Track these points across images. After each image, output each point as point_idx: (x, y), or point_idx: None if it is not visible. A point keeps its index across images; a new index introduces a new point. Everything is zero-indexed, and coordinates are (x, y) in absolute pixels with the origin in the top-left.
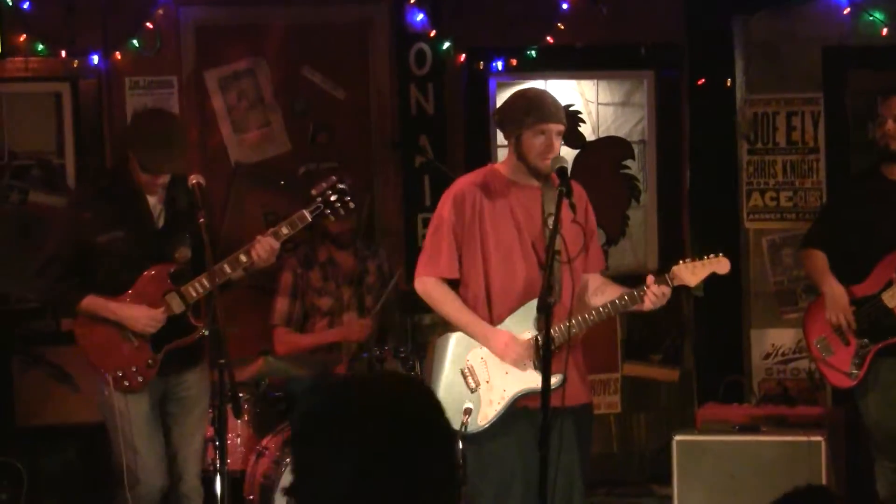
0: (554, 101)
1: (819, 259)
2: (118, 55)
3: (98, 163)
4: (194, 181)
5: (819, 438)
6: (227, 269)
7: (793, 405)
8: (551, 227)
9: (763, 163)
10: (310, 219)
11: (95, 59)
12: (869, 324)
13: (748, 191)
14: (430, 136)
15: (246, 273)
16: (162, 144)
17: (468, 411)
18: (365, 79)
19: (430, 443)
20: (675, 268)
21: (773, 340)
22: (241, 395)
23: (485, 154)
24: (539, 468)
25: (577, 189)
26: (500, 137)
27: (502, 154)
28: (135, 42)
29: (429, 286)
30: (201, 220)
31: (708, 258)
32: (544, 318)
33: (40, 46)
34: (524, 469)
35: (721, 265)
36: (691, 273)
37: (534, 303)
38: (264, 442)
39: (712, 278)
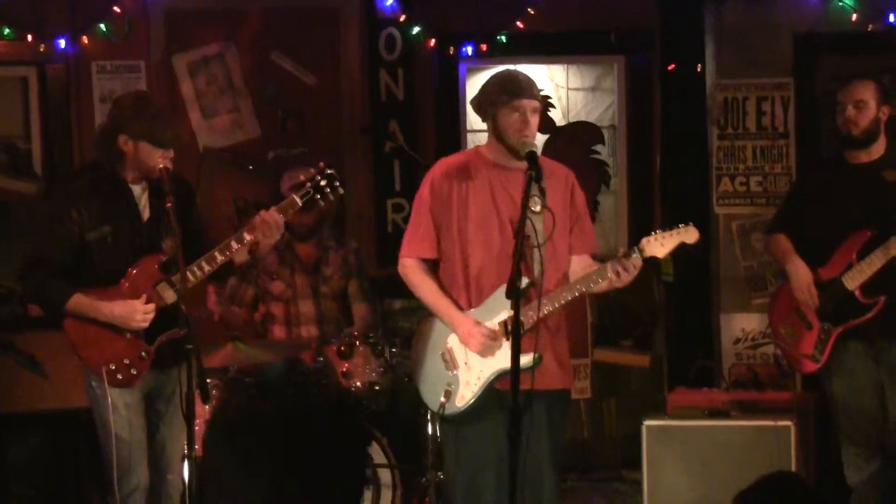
0: (527, 79)
1: (784, 241)
2: (86, 39)
3: (66, 147)
4: (161, 166)
5: (788, 423)
6: (218, 255)
7: (762, 390)
8: (536, 209)
9: (733, 148)
10: (300, 203)
11: (62, 43)
12: (831, 307)
13: (718, 176)
14: (399, 122)
15: (253, 257)
16: (168, 117)
17: (447, 394)
18: (335, 64)
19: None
20: (644, 240)
21: (742, 325)
22: (209, 380)
23: (455, 139)
24: (508, 448)
25: (562, 171)
26: (471, 122)
27: (472, 140)
28: (102, 26)
29: (408, 268)
30: (168, 205)
31: (676, 228)
32: (514, 301)
33: (7, 30)
34: (498, 457)
35: (689, 234)
36: (660, 244)
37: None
38: None
39: (683, 265)
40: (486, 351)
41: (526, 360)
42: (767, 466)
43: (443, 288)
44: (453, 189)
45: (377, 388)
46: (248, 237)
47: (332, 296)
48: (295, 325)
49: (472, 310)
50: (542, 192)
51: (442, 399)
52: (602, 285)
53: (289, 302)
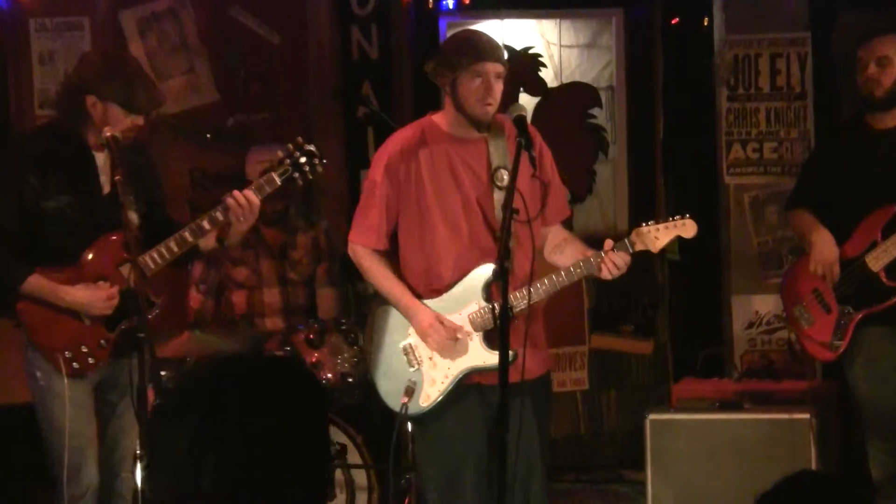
0: (490, 40)
1: (807, 214)
2: None
3: (1, 112)
4: (108, 134)
5: (807, 416)
6: (189, 237)
7: (778, 379)
8: (506, 184)
9: (744, 111)
10: (279, 182)
11: None
12: (853, 289)
13: (728, 142)
14: (373, 84)
15: (223, 244)
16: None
17: (409, 391)
18: (301, 20)
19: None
20: (635, 232)
21: (756, 308)
22: (163, 373)
23: (435, 102)
24: (497, 451)
25: (538, 138)
26: None
27: None
28: None
29: (359, 254)
30: (118, 178)
31: (672, 220)
32: (502, 285)
33: None
34: (476, 453)
35: (686, 228)
36: (653, 237)
37: (480, 270)
38: None
39: (688, 239)
40: (453, 346)
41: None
42: (784, 463)
43: (399, 275)
44: (410, 168)
45: (350, 379)
46: (221, 217)
47: (300, 282)
48: (258, 315)
49: (433, 300)
50: (534, 162)
51: (403, 398)
52: (586, 277)
53: (253, 290)
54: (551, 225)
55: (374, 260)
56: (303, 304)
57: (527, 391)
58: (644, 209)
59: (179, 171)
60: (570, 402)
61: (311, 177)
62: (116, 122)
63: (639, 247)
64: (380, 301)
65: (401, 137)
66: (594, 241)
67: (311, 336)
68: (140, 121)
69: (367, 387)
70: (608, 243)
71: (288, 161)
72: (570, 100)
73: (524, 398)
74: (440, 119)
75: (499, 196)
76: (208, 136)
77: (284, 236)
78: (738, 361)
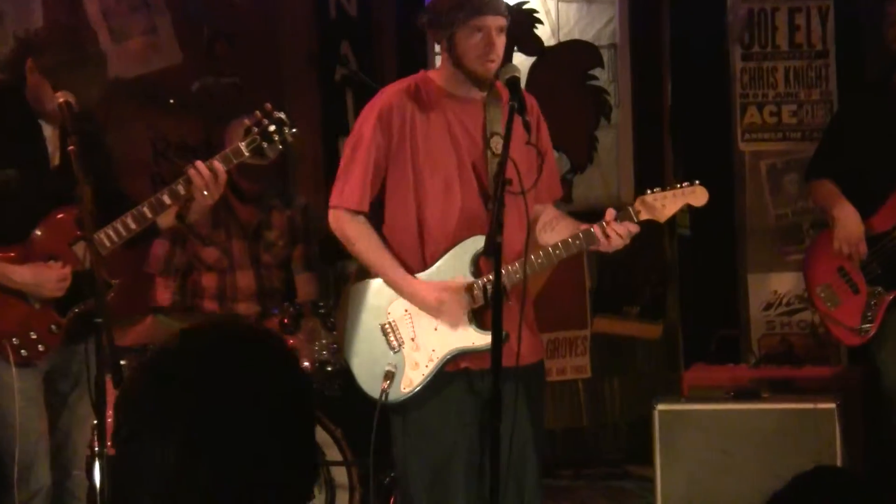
0: None
1: (829, 185)
2: None
3: None
4: (62, 100)
5: (831, 405)
6: (148, 212)
7: (799, 365)
8: (500, 151)
9: (760, 71)
10: (247, 153)
11: None
12: (883, 268)
13: (743, 105)
14: (353, 44)
15: (183, 221)
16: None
17: (389, 375)
18: None
19: (274, 416)
20: (639, 200)
21: (774, 287)
22: (123, 362)
23: (420, 63)
24: (490, 443)
25: (527, 100)
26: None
27: (440, 61)
28: None
29: (342, 220)
30: (71, 147)
31: (681, 187)
32: (494, 261)
33: None
34: (464, 445)
35: (696, 195)
36: (660, 206)
37: (469, 242)
38: None
39: (699, 211)
40: (445, 323)
41: (488, 339)
42: (806, 458)
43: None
44: (405, 124)
45: (329, 368)
46: (182, 191)
47: (275, 265)
48: (230, 299)
49: (419, 273)
50: (528, 127)
51: (383, 384)
52: (586, 249)
53: (224, 272)
54: (544, 202)
55: (360, 227)
56: (278, 287)
57: (519, 377)
58: (650, 180)
59: (140, 142)
60: (570, 392)
61: (280, 146)
62: (45, 96)
63: (644, 216)
64: (354, 279)
65: (393, 90)
66: (595, 215)
67: (286, 321)
68: (71, 97)
69: (348, 375)
70: (610, 212)
71: (256, 130)
72: (569, 60)
73: (516, 385)
74: (436, 75)
75: (493, 163)
76: (171, 101)
77: (259, 215)
78: (756, 346)
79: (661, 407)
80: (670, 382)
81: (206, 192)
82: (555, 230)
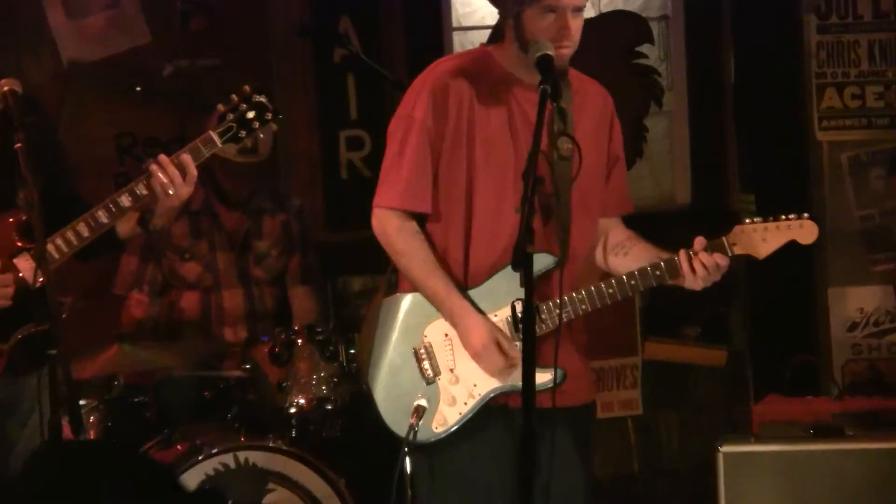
0: None
1: None
2: None
3: None
4: (6, 88)
5: None
6: (102, 215)
7: (890, 396)
8: (568, 153)
9: (840, 45)
10: (220, 143)
11: None
12: None
13: (820, 86)
14: (354, 19)
15: (146, 227)
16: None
17: (419, 410)
18: None
19: None
20: (739, 229)
21: (860, 303)
22: (83, 401)
23: (435, 44)
24: (521, 494)
25: (599, 92)
26: (458, 17)
27: (459, 42)
28: None
29: (389, 225)
30: (18, 144)
31: (787, 219)
32: (523, 277)
33: None
34: (500, 491)
35: (805, 232)
36: (761, 239)
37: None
38: None
39: (769, 214)
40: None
41: (545, 378)
42: None
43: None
44: (463, 110)
45: (329, 406)
46: (143, 191)
47: (267, 281)
48: (216, 323)
49: (472, 289)
50: (563, 116)
51: (410, 419)
52: (666, 283)
53: (208, 291)
54: (611, 215)
55: (409, 237)
56: (271, 308)
57: (563, 421)
58: (711, 177)
59: (102, 137)
60: (618, 432)
61: (262, 135)
62: None
63: (740, 249)
64: (385, 289)
65: (449, 66)
66: (645, 221)
67: (277, 349)
68: (16, 84)
69: (353, 414)
70: (699, 241)
71: (231, 116)
72: (612, 34)
73: (559, 429)
74: (499, 53)
75: (559, 167)
76: (138, 89)
77: (247, 222)
78: (839, 374)
79: (726, 448)
80: (737, 419)
81: (171, 192)
82: (629, 255)
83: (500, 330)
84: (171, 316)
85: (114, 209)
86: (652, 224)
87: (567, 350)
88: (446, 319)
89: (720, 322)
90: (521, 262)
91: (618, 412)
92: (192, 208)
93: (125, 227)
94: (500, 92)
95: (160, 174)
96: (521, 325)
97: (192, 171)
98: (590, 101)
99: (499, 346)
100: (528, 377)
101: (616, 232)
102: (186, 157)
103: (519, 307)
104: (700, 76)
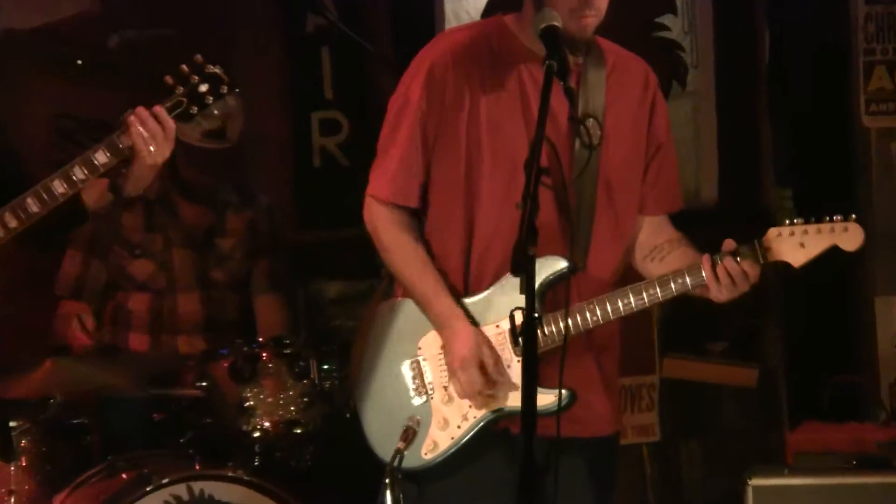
0: None
1: None
2: None
3: None
4: None
5: None
6: (58, 186)
7: None
8: (596, 139)
9: (892, 18)
10: (171, 118)
11: None
12: None
13: (868, 64)
14: None
15: (119, 195)
16: None
17: (409, 433)
18: None
19: None
20: (775, 232)
21: None
22: (14, 424)
23: (424, 11)
24: None
25: (638, 67)
26: None
27: (453, 10)
28: None
29: (377, 216)
30: None
31: (829, 223)
32: (524, 283)
33: None
34: None
35: (850, 236)
36: (797, 244)
37: (537, 264)
38: (58, 501)
39: (807, 210)
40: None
41: (548, 399)
42: None
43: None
44: (464, 88)
45: (298, 430)
46: (124, 143)
47: (229, 285)
48: (168, 331)
49: (470, 300)
50: (571, 97)
51: (399, 442)
52: (690, 292)
53: (160, 294)
54: (651, 213)
55: (400, 230)
56: (233, 316)
57: (577, 453)
58: (741, 170)
59: (37, 118)
60: (633, 461)
61: (216, 111)
62: None
63: (775, 255)
64: (380, 295)
65: (454, 40)
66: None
67: (239, 364)
68: None
69: (328, 440)
70: (729, 243)
71: (181, 89)
72: (629, 2)
73: (571, 463)
74: (515, 24)
75: (581, 156)
76: (79, 63)
77: (210, 217)
78: (886, 396)
79: (756, 481)
80: (769, 447)
81: (152, 148)
82: (664, 261)
83: (491, 347)
84: (118, 321)
85: (86, 168)
86: (675, 223)
87: (583, 369)
88: (433, 325)
89: (750, 336)
90: (521, 265)
91: (632, 439)
92: (147, 198)
93: (93, 196)
94: (515, 70)
95: (138, 127)
96: (520, 338)
97: (170, 124)
98: (628, 80)
99: (481, 364)
100: (529, 398)
101: (657, 233)
102: (162, 111)
103: (519, 317)
104: (730, 52)
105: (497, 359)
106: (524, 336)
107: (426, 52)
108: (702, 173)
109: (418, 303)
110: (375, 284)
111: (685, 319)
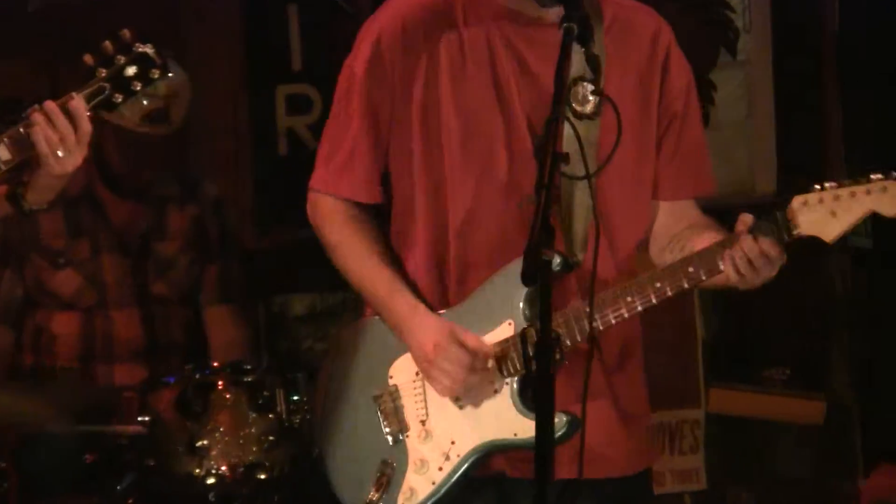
0: None
1: None
2: None
3: None
4: None
5: None
6: None
7: None
8: (589, 109)
9: None
10: (87, 109)
11: None
12: None
13: None
14: None
15: (19, 203)
16: None
17: (381, 482)
18: None
19: None
20: (798, 201)
21: None
22: None
23: None
24: None
25: (648, 21)
26: None
27: None
28: None
29: (325, 213)
30: None
31: (865, 182)
32: (540, 293)
33: None
34: None
35: (890, 197)
36: (828, 213)
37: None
38: None
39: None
40: (470, 398)
41: (559, 423)
42: None
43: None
44: (419, 61)
45: (262, 475)
46: (27, 132)
47: (174, 299)
48: (103, 359)
49: (445, 311)
50: (595, 67)
51: (371, 492)
52: (707, 283)
53: (90, 313)
54: (667, 199)
55: (347, 221)
56: (177, 336)
57: (596, 500)
58: (804, 154)
59: None
60: None
61: (146, 101)
62: None
63: (802, 229)
64: (348, 316)
65: (407, 1)
66: (711, 214)
67: (188, 394)
68: None
69: (296, 485)
70: (744, 220)
71: (104, 72)
72: None
73: None
74: None
75: (582, 128)
76: None
77: (146, 216)
78: None
79: None
80: (839, 496)
81: (61, 153)
82: (684, 251)
83: (469, 333)
84: (37, 347)
85: None
86: (722, 222)
87: (600, 392)
88: (393, 330)
89: (816, 362)
90: (534, 272)
91: (671, 486)
92: (68, 194)
93: None
94: (483, 30)
95: (44, 125)
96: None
97: (86, 125)
98: (632, 36)
99: (459, 342)
100: (544, 424)
101: (677, 220)
102: (78, 104)
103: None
104: (790, 14)
105: (475, 336)
106: (539, 353)
107: (374, 17)
108: (757, 160)
109: (373, 305)
110: (350, 298)
111: (736, 340)
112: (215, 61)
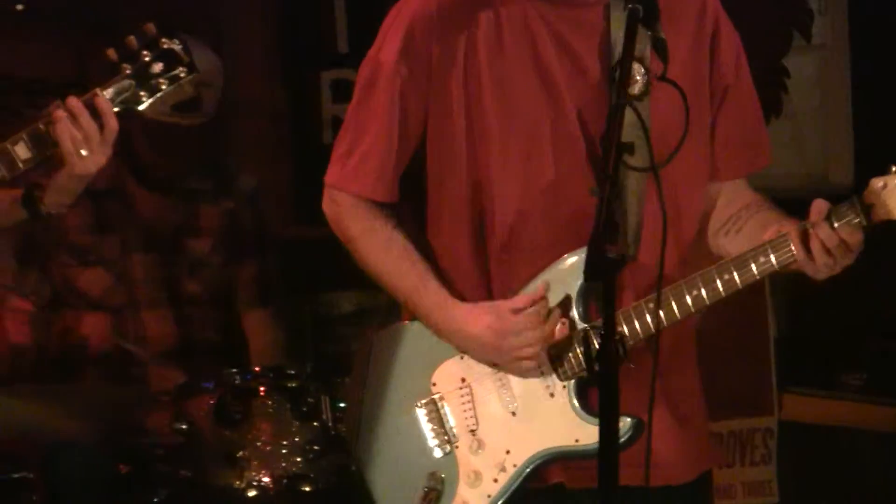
0: None
1: None
2: None
3: None
4: None
5: None
6: None
7: None
8: (637, 90)
9: None
10: (113, 106)
11: None
12: None
13: None
14: None
15: (36, 207)
16: None
17: (432, 495)
18: None
19: None
20: (874, 185)
21: None
22: None
23: None
24: None
25: (710, 7)
26: None
27: None
28: None
29: (342, 211)
30: None
31: None
32: (604, 291)
33: None
34: None
35: None
36: None
37: (576, 261)
38: None
39: None
40: (527, 406)
41: (623, 426)
42: None
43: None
44: (456, 48)
45: (306, 487)
46: (47, 129)
47: (209, 299)
48: (135, 361)
49: None
50: (663, 51)
51: None
52: (778, 269)
53: (120, 313)
54: (725, 179)
55: (371, 216)
56: (213, 336)
57: None
58: (882, 145)
59: None
60: None
61: (172, 100)
62: None
63: (881, 215)
64: (384, 319)
65: None
66: (786, 207)
67: (227, 401)
68: None
69: (341, 496)
70: (819, 206)
71: (128, 67)
72: None
73: None
74: None
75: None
76: (20, 7)
77: (177, 211)
78: None
79: None
80: None
81: (84, 152)
82: (741, 232)
83: (502, 304)
84: (65, 349)
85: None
86: (796, 215)
87: (659, 396)
88: (430, 329)
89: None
90: (598, 269)
91: (743, 500)
92: (95, 187)
93: (3, 209)
94: (522, 14)
95: (67, 123)
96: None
97: (113, 123)
98: (677, 9)
99: (511, 309)
100: (610, 429)
101: (733, 200)
102: (104, 102)
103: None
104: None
105: (525, 296)
106: (602, 356)
107: (404, 7)
108: (832, 150)
109: (403, 301)
110: None
111: (812, 341)
112: (252, 46)
